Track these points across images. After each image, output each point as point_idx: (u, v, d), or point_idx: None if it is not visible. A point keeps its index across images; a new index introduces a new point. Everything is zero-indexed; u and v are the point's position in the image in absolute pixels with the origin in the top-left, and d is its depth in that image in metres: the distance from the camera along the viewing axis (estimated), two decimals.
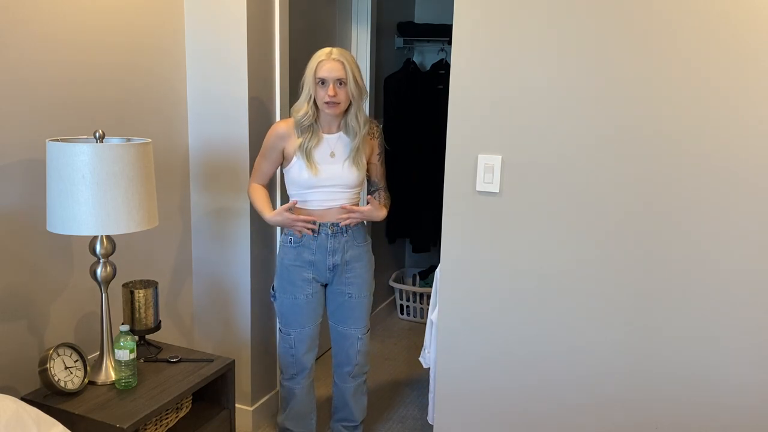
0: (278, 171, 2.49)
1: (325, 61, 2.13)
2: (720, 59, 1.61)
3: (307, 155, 2.22)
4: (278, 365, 2.51)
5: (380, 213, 2.35)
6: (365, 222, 2.40)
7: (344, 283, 2.36)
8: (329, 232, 2.29)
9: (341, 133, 2.28)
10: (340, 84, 2.15)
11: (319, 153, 2.25)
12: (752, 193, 1.63)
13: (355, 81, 2.17)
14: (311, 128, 2.23)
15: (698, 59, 1.63)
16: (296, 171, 2.25)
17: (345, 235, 2.31)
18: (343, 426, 2.60)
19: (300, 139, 2.23)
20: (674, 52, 1.65)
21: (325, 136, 2.26)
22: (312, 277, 2.33)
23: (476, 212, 1.92)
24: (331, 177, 2.25)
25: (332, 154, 2.26)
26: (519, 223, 1.88)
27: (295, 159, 2.25)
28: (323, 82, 2.14)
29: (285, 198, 2.44)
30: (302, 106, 2.21)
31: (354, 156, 2.26)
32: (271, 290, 2.41)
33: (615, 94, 1.72)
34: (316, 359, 2.50)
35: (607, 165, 1.76)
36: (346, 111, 2.24)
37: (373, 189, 2.46)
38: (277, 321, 2.42)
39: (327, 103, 2.16)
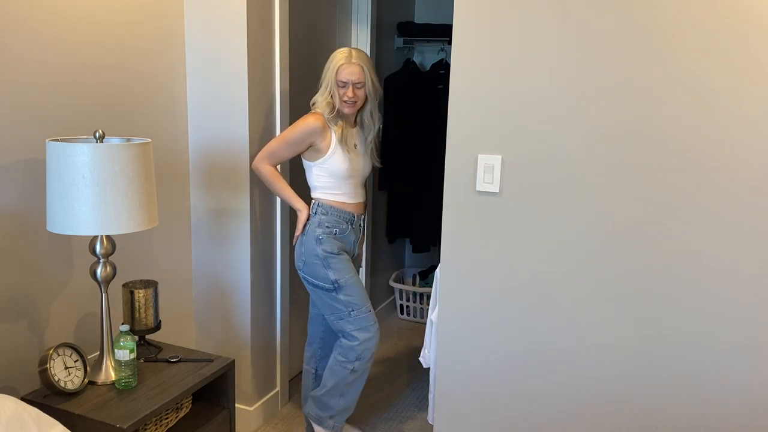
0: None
1: (345, 65, 2.29)
2: (721, 61, 1.61)
3: (347, 142, 2.38)
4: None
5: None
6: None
7: (356, 263, 2.54)
8: (359, 224, 2.49)
9: (358, 128, 2.46)
10: (359, 87, 2.32)
11: (349, 144, 2.40)
12: (752, 194, 1.63)
13: (372, 83, 2.35)
14: (341, 117, 2.39)
15: (698, 61, 1.63)
16: (337, 162, 2.37)
17: (362, 225, 2.51)
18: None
19: (337, 128, 2.36)
20: (674, 53, 1.65)
21: (351, 130, 2.45)
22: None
23: (476, 212, 1.92)
24: (359, 168, 2.43)
25: (356, 145, 2.43)
26: (519, 223, 1.88)
27: (332, 151, 2.36)
28: (344, 84, 2.30)
29: (303, 192, 2.51)
30: (326, 102, 2.35)
31: (371, 150, 2.47)
32: (330, 284, 2.37)
33: (615, 94, 1.72)
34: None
35: (608, 165, 1.76)
36: (361, 108, 2.42)
37: None
38: (350, 310, 2.38)
39: (345, 101, 2.32)
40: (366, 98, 2.38)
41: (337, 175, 2.38)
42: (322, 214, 2.39)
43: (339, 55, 2.31)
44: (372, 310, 2.44)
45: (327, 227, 2.37)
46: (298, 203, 2.42)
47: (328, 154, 2.35)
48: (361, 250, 2.64)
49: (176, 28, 2.45)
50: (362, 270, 2.63)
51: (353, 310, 2.38)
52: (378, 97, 2.42)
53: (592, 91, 1.74)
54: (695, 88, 1.64)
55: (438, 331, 2.07)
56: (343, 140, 2.36)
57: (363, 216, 2.50)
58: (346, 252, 2.45)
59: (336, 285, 2.36)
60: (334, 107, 2.34)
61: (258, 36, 2.47)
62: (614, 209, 1.77)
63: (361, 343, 2.40)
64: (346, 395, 2.50)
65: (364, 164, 2.44)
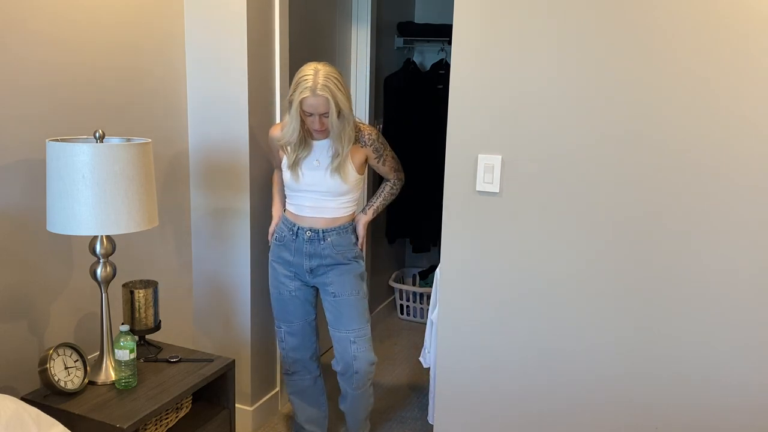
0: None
1: (309, 97, 2.08)
2: (721, 61, 1.61)
3: (294, 163, 2.26)
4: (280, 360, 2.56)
5: (366, 219, 2.42)
6: (355, 230, 2.40)
7: (327, 283, 2.34)
8: (306, 236, 2.30)
9: (329, 140, 2.24)
10: (326, 116, 2.13)
11: (306, 161, 2.27)
12: (752, 195, 1.63)
13: (339, 112, 2.12)
14: (302, 140, 2.23)
15: (698, 61, 1.63)
16: (285, 173, 2.32)
17: (322, 242, 2.30)
18: (355, 424, 2.61)
19: (293, 152, 2.25)
20: (675, 53, 1.65)
21: (315, 143, 2.26)
22: (293, 274, 2.37)
23: (476, 212, 1.92)
24: (313, 183, 2.26)
25: (317, 162, 2.26)
26: (519, 223, 1.88)
27: (284, 161, 2.30)
28: (309, 114, 2.13)
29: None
30: (290, 128, 2.19)
31: (337, 167, 2.23)
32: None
33: (615, 94, 1.72)
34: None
35: (608, 165, 1.76)
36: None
37: (384, 181, 2.50)
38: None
39: (315, 129, 2.18)
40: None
41: (287, 185, 2.32)
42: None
43: (303, 83, 2.08)
44: (290, 334, 2.42)
45: (275, 232, 2.41)
46: (273, 212, 2.47)
47: (283, 164, 2.31)
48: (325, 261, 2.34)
49: (176, 28, 2.45)
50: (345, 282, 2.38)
51: (274, 317, 2.49)
52: (350, 121, 2.18)
53: (592, 90, 1.74)
54: (695, 88, 1.64)
55: (438, 331, 2.07)
56: (293, 159, 2.24)
57: (319, 230, 2.28)
58: (291, 260, 2.33)
59: (269, 284, 2.47)
60: (293, 134, 2.18)
61: (258, 36, 2.47)
62: (614, 209, 1.77)
63: (279, 350, 2.50)
64: (293, 405, 2.58)
65: (324, 181, 2.24)
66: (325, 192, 2.26)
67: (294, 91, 2.12)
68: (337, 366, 2.43)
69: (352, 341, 2.35)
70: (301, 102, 2.10)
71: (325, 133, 2.20)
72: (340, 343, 2.37)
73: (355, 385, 2.41)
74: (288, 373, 2.51)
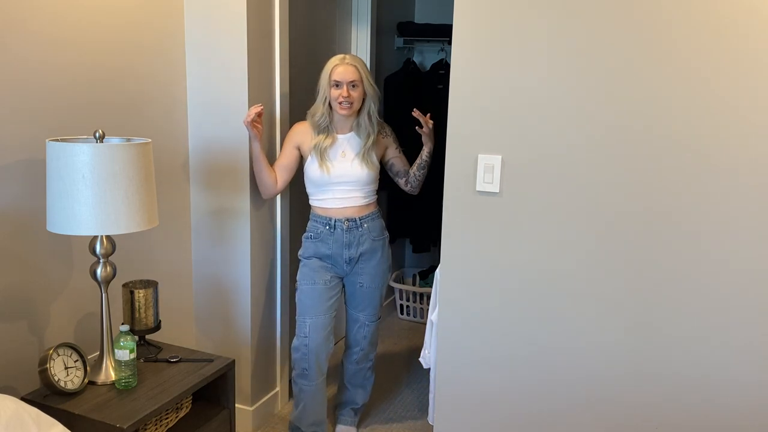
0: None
1: (339, 65, 2.34)
2: (720, 58, 1.61)
3: (321, 154, 2.40)
4: (289, 362, 2.57)
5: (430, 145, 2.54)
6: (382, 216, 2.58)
7: (357, 273, 2.52)
8: (344, 227, 2.44)
9: (353, 134, 2.45)
10: (353, 86, 2.34)
11: (332, 152, 2.42)
12: (751, 193, 1.63)
13: (369, 82, 2.39)
14: (327, 129, 2.42)
15: (698, 58, 1.63)
16: (310, 168, 2.43)
17: (360, 229, 2.46)
18: (346, 409, 2.76)
19: (316, 139, 2.41)
20: (673, 52, 1.65)
21: (339, 136, 2.44)
22: (331, 265, 2.49)
23: (476, 212, 1.92)
24: (342, 174, 2.41)
25: (343, 153, 2.43)
26: (519, 223, 1.88)
27: (310, 158, 2.43)
28: (337, 84, 2.33)
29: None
30: (318, 108, 2.40)
31: (364, 154, 2.43)
32: (297, 284, 2.53)
33: (615, 94, 1.72)
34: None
35: (608, 165, 1.76)
36: (359, 112, 2.42)
37: (402, 177, 2.61)
38: (297, 311, 2.51)
39: (341, 103, 2.34)
40: (363, 101, 2.40)
41: (313, 181, 2.45)
42: (309, 218, 2.52)
43: (333, 59, 2.37)
44: (315, 328, 2.44)
45: (307, 230, 2.51)
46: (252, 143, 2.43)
47: (307, 161, 2.45)
48: (371, 248, 2.50)
49: (176, 29, 2.45)
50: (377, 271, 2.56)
51: (297, 314, 2.51)
52: (377, 101, 2.45)
53: (593, 90, 1.74)
54: (695, 88, 1.64)
55: (438, 331, 2.07)
56: (319, 148, 2.40)
57: (356, 218, 2.45)
58: (330, 255, 2.46)
59: (297, 285, 2.51)
60: (323, 114, 2.39)
61: (258, 36, 2.47)
62: (615, 209, 1.77)
63: (293, 347, 2.51)
64: (295, 407, 2.58)
65: (352, 171, 2.42)
66: (355, 182, 2.43)
67: (324, 71, 2.37)
68: (346, 341, 2.67)
69: (366, 325, 2.62)
70: (331, 72, 2.34)
71: (351, 108, 2.36)
72: (355, 322, 2.63)
73: (356, 359, 2.66)
74: (304, 375, 2.48)
